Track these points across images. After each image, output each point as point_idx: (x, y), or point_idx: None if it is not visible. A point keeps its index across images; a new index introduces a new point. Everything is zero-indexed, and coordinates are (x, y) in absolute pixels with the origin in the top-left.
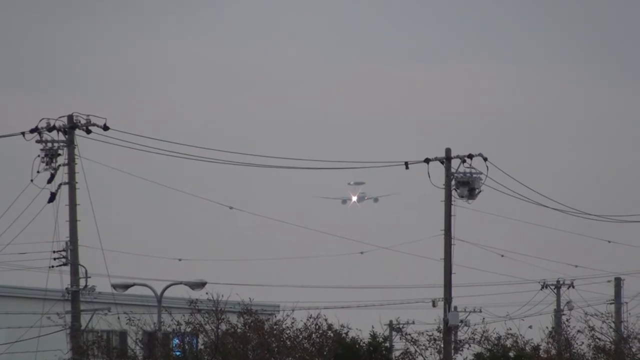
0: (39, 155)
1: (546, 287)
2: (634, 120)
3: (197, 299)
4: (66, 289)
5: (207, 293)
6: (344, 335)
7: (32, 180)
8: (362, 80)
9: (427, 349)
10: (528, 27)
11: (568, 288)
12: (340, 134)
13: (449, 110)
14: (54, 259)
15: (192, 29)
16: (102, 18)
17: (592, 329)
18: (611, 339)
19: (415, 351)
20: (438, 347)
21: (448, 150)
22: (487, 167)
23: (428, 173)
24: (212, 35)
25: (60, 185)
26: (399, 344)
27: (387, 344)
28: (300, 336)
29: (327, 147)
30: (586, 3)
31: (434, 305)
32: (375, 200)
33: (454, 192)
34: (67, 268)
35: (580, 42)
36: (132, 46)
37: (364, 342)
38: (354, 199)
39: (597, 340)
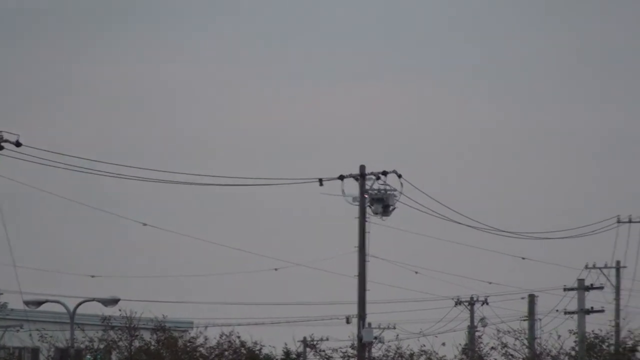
0: None
1: (460, 304)
2: (546, 136)
3: (110, 316)
4: None
5: (120, 310)
6: (257, 352)
7: None
8: (278, 98)
9: None
10: (445, 46)
11: (482, 305)
12: (255, 151)
13: (363, 127)
14: None
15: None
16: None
17: (505, 345)
18: (524, 356)
19: None
20: None
21: (362, 167)
22: (401, 184)
23: (342, 190)
24: (129, 53)
25: None
26: None
27: None
28: (214, 353)
29: (241, 164)
30: (501, 22)
31: (347, 322)
32: None
33: (368, 209)
34: None
35: (494, 61)
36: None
37: (277, 359)
38: None
39: (510, 357)
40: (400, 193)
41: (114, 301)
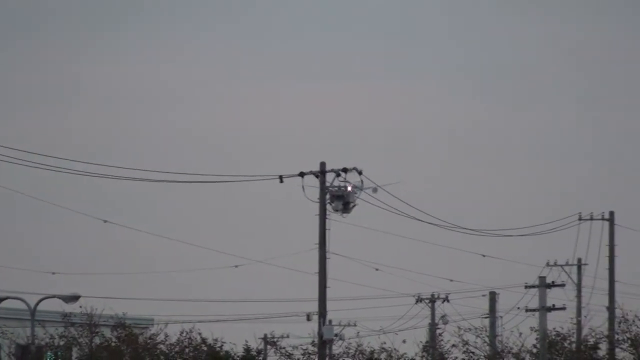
0: None
1: (421, 301)
2: (509, 135)
3: (70, 313)
4: None
5: (80, 306)
6: (217, 349)
7: None
8: (239, 95)
9: None
10: (400, 45)
11: (443, 302)
12: (215, 148)
13: (324, 124)
14: None
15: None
16: None
17: (466, 343)
18: (485, 354)
19: None
20: None
21: (322, 164)
22: (361, 180)
23: (302, 187)
24: (104, 53)
25: None
26: (273, 358)
27: (261, 358)
28: (174, 350)
29: (201, 161)
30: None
31: (308, 319)
32: (374, 190)
33: (328, 206)
34: None
35: (451, 61)
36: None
37: (238, 356)
38: None
39: (471, 354)
40: (361, 190)
41: (74, 298)
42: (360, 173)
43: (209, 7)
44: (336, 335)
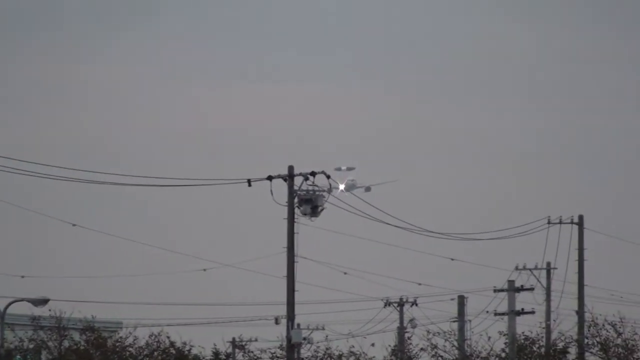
0: None
1: (389, 305)
2: (478, 138)
3: (39, 316)
4: None
5: (49, 310)
6: (186, 352)
7: None
8: (207, 97)
9: None
10: (376, 48)
11: (411, 306)
12: (183, 151)
13: (292, 127)
14: None
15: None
16: None
17: (435, 347)
18: (454, 357)
19: None
20: None
21: (291, 168)
22: (329, 184)
23: (271, 190)
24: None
25: None
26: None
27: None
28: (143, 353)
29: (170, 164)
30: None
31: (277, 323)
32: (368, 189)
33: (296, 210)
34: None
35: (420, 64)
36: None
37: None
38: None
39: (439, 358)
40: (329, 194)
41: (43, 301)
42: (328, 177)
43: (170, 8)
44: (305, 338)
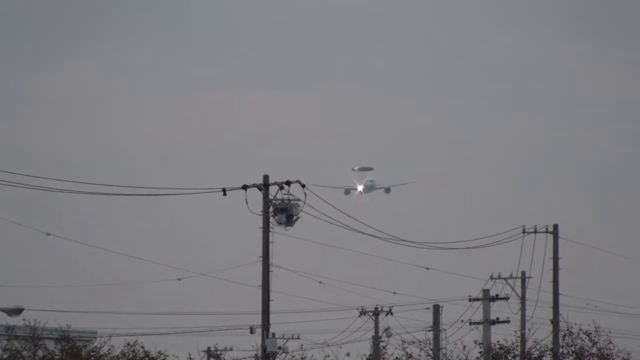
0: None
1: (364, 314)
2: (452, 145)
3: (14, 326)
4: None
5: (24, 319)
6: None
7: None
8: (181, 109)
9: None
10: (347, 52)
11: (386, 315)
12: (158, 161)
13: (267, 137)
14: None
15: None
16: None
17: (410, 356)
18: None
19: None
20: None
21: (266, 177)
22: (305, 194)
23: (246, 199)
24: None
25: None
26: None
27: None
28: None
29: (144, 173)
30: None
31: (252, 332)
32: (387, 190)
33: (272, 219)
34: None
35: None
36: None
37: None
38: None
39: None
40: (304, 203)
41: (17, 311)
42: (303, 186)
43: (143, 22)
44: (280, 348)
